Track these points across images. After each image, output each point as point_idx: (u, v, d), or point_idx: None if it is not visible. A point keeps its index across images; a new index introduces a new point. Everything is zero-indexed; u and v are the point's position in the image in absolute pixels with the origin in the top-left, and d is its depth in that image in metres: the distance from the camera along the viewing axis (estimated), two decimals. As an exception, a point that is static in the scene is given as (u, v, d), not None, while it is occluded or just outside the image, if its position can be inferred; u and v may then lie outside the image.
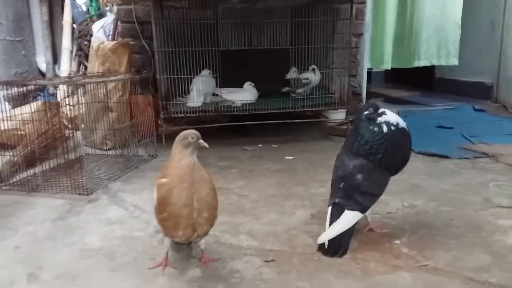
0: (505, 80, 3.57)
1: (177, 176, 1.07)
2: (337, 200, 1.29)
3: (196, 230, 1.12)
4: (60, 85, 3.25)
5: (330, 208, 1.31)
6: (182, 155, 1.08)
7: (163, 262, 1.22)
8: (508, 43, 3.52)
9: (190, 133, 1.10)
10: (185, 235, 1.12)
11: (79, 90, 1.91)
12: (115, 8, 3.24)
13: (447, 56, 3.53)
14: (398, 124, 1.30)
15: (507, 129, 2.80)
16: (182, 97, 2.60)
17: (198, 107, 2.54)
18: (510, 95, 3.49)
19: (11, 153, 2.02)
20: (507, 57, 3.53)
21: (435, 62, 3.57)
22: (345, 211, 1.27)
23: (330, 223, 1.28)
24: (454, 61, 3.54)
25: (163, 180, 1.10)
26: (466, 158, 2.19)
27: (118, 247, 1.34)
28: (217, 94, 2.64)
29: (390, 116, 1.30)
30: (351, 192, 1.28)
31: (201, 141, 1.11)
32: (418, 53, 3.52)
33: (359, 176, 1.28)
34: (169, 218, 1.09)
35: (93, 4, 3.72)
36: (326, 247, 1.26)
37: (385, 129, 1.28)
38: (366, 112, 1.31)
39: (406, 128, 1.32)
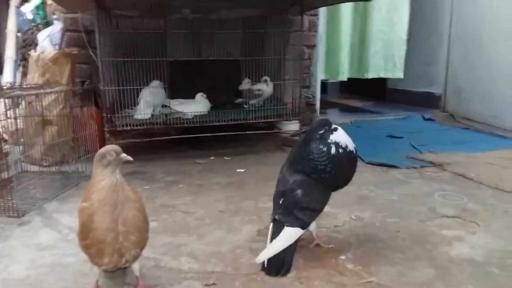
0: (453, 90, 3.71)
1: (98, 199, 0.99)
2: (276, 217, 1.25)
3: (123, 256, 1.03)
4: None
5: (271, 225, 1.27)
6: (103, 175, 1.00)
7: (93, 291, 1.12)
8: (455, 55, 3.67)
9: (109, 150, 1.02)
10: (111, 262, 1.02)
11: (9, 103, 1.77)
12: (62, 16, 3.10)
13: (393, 69, 3.72)
14: (347, 146, 1.26)
15: (454, 137, 2.90)
16: (130, 109, 2.49)
17: (146, 119, 2.44)
18: (458, 105, 3.63)
19: None
20: (454, 68, 3.68)
21: (382, 74, 3.76)
22: (285, 227, 1.22)
23: (271, 241, 1.23)
24: (400, 75, 3.75)
25: (84, 204, 1.01)
26: (413, 167, 2.23)
27: (46, 276, 1.22)
28: (167, 106, 2.55)
29: (341, 137, 1.27)
30: (291, 208, 1.24)
31: (123, 155, 1.03)
32: (367, 65, 3.66)
33: (299, 192, 1.24)
34: (92, 245, 1.00)
35: (40, 12, 3.53)
36: (267, 265, 1.22)
37: (333, 150, 1.24)
38: (320, 131, 1.28)
39: (354, 151, 1.29)
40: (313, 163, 1.24)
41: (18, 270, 1.27)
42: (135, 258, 1.07)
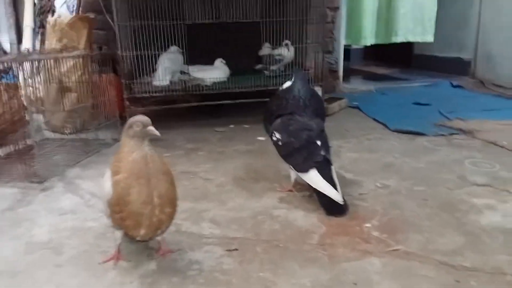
0: (483, 55, 3.52)
1: (131, 171, 0.96)
2: (325, 155, 1.37)
3: (159, 228, 1.03)
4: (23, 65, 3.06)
5: (315, 168, 1.33)
6: (131, 147, 0.97)
7: (115, 255, 1.12)
8: (486, 18, 3.46)
9: (136, 121, 0.97)
10: (147, 234, 1.03)
11: (29, 70, 1.75)
12: (78, -19, 3.04)
13: (423, 33, 3.50)
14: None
15: (484, 104, 2.77)
16: (149, 75, 2.45)
17: (165, 86, 2.39)
18: (488, 71, 3.46)
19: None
20: (485, 32, 3.48)
21: (411, 38, 3.55)
22: (331, 167, 1.37)
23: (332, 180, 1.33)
24: (430, 38, 3.53)
25: (118, 176, 0.98)
26: (441, 135, 2.13)
27: (68, 240, 1.23)
28: (186, 72, 2.50)
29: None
30: (328, 148, 1.40)
31: (150, 128, 0.98)
32: (396, 28, 3.47)
33: (325, 134, 1.42)
34: (129, 217, 0.98)
35: (56, -22, 3.48)
36: (343, 203, 1.32)
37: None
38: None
39: None
40: (324, 108, 1.54)
41: (41, 233, 1.28)
42: (167, 228, 1.07)
